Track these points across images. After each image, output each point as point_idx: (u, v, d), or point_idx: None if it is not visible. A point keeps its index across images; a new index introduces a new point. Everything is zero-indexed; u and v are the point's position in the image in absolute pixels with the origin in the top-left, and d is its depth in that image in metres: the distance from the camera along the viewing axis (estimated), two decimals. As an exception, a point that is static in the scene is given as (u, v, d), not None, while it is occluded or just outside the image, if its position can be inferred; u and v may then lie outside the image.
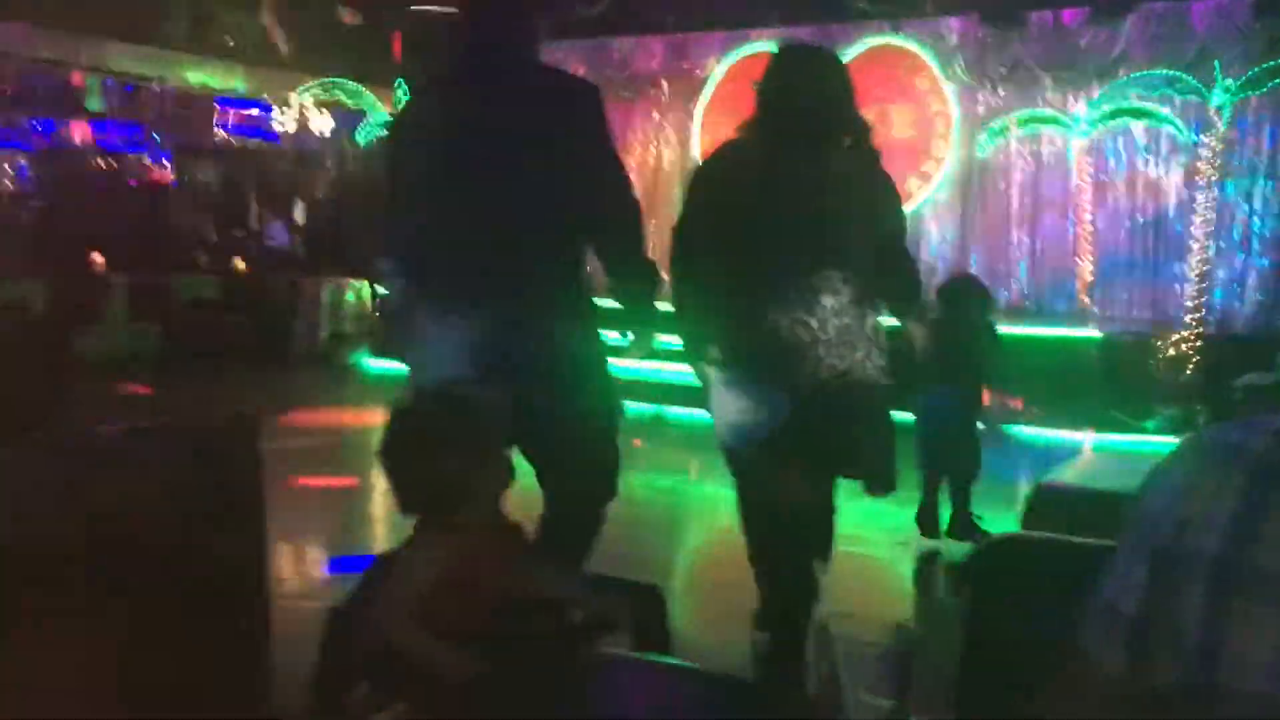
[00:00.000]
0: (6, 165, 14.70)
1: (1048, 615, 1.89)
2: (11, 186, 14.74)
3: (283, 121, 13.43)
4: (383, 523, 6.07)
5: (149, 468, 2.94)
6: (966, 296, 6.03)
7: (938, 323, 5.77)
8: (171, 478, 2.95)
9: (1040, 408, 8.94)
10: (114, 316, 12.05)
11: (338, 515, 6.46)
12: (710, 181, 3.61)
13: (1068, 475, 3.40)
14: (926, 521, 5.81)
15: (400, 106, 12.93)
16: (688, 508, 7.09)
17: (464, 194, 3.28)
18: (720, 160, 3.63)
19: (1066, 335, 9.57)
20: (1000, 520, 5.74)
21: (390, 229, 3.62)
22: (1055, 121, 10.88)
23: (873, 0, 11.20)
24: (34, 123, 14.99)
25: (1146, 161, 10.96)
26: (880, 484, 3.60)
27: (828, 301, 3.32)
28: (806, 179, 3.40)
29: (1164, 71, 10.13)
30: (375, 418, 8.17)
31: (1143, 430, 8.67)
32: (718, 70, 12.66)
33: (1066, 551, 1.95)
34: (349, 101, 12.86)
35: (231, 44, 12.02)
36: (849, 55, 11.89)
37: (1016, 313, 11.20)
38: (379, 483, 6.87)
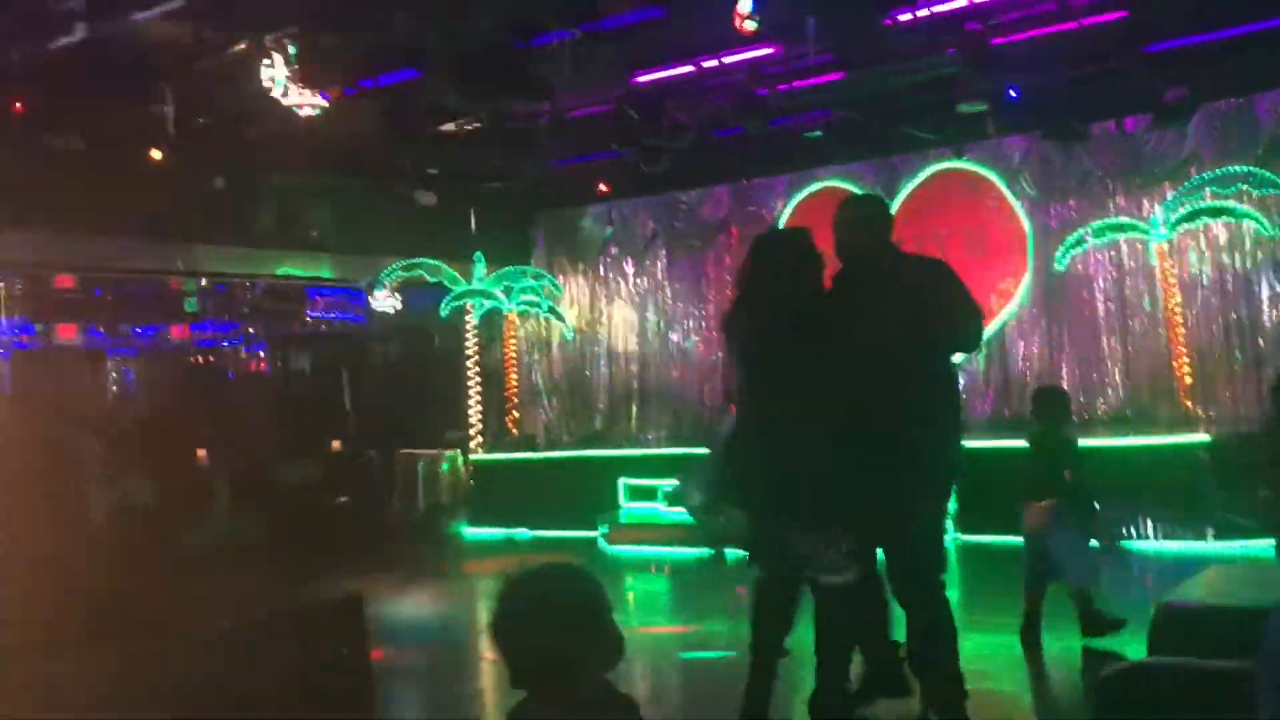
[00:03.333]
0: (113, 370, 15.38)
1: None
2: (118, 389, 15.39)
3: (370, 302, 13.87)
4: (491, 693, 6.00)
5: (263, 654, 2.99)
6: (1062, 407, 6.26)
7: (1034, 436, 6.01)
8: (284, 661, 2.99)
9: (1155, 519, 8.65)
10: (219, 507, 12.33)
11: (446, 686, 6.42)
12: None
13: (1192, 592, 3.22)
14: (1028, 638, 5.91)
15: (476, 281, 13.29)
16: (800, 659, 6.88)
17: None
18: None
19: (1173, 442, 9.27)
20: (1125, 643, 5.51)
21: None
22: (1132, 228, 10.77)
23: (932, 129, 11.33)
24: (135, 329, 15.72)
25: (1232, 258, 10.78)
26: None
27: None
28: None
29: (1237, 168, 10.03)
30: (477, 586, 8.13)
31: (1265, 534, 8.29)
32: (785, 210, 12.86)
33: (1198, 677, 1.85)
34: (431, 278, 13.26)
35: (315, 234, 12.52)
36: (914, 183, 12.05)
37: (1117, 422, 10.94)
38: (486, 653, 6.83)
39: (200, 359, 16.91)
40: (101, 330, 15.49)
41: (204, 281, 14.46)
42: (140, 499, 11.02)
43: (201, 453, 13.20)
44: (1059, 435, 6.05)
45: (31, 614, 2.57)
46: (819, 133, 11.52)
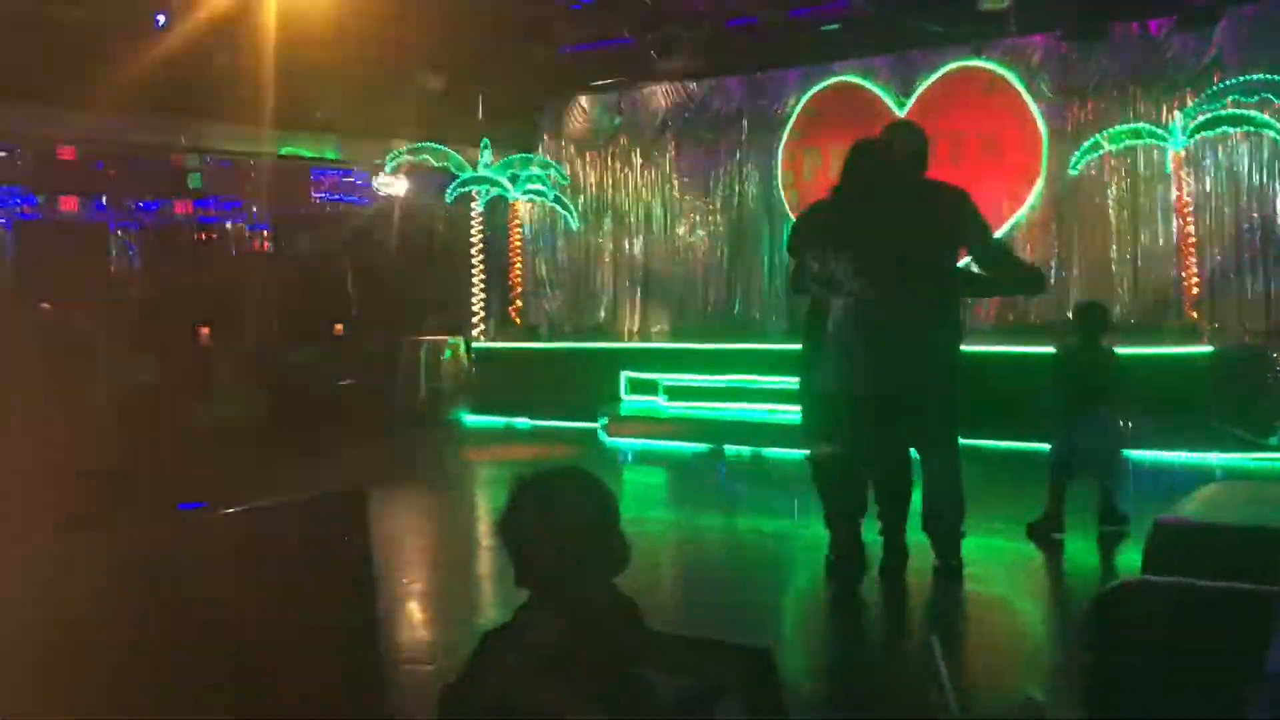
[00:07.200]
0: (114, 245, 15.29)
1: (1180, 670, 1.80)
2: (120, 264, 15.32)
3: (375, 186, 13.75)
4: (489, 581, 6.09)
5: (264, 544, 3.01)
6: (1102, 319, 6.61)
7: (1077, 347, 6.45)
8: (285, 552, 3.01)
9: (1155, 429, 8.67)
10: (221, 386, 12.37)
11: (444, 576, 6.51)
12: None
13: (1190, 508, 3.23)
14: (1048, 527, 6.23)
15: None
16: (794, 553, 6.98)
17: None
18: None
19: (1176, 352, 9.27)
20: (1122, 558, 5.60)
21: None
22: (1150, 134, 10.59)
23: (951, 24, 11.07)
24: (139, 204, 15.59)
25: (1249, 169, 10.63)
26: None
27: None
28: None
29: (1261, 76, 9.82)
30: (478, 473, 8.17)
31: (1265, 447, 8.35)
32: (798, 105, 12.64)
33: (1196, 597, 1.86)
34: (437, 163, 13.11)
35: (321, 115, 12.35)
36: (931, 80, 11.82)
37: (1121, 330, 10.90)
38: (485, 541, 6.93)
39: (203, 235, 16.80)
40: (104, 203, 15.34)
41: (208, 158, 14.31)
42: (143, 376, 11.05)
43: (204, 330, 13.21)
44: (1100, 347, 6.46)
45: (34, 495, 2.57)
46: (836, 25, 11.29)
